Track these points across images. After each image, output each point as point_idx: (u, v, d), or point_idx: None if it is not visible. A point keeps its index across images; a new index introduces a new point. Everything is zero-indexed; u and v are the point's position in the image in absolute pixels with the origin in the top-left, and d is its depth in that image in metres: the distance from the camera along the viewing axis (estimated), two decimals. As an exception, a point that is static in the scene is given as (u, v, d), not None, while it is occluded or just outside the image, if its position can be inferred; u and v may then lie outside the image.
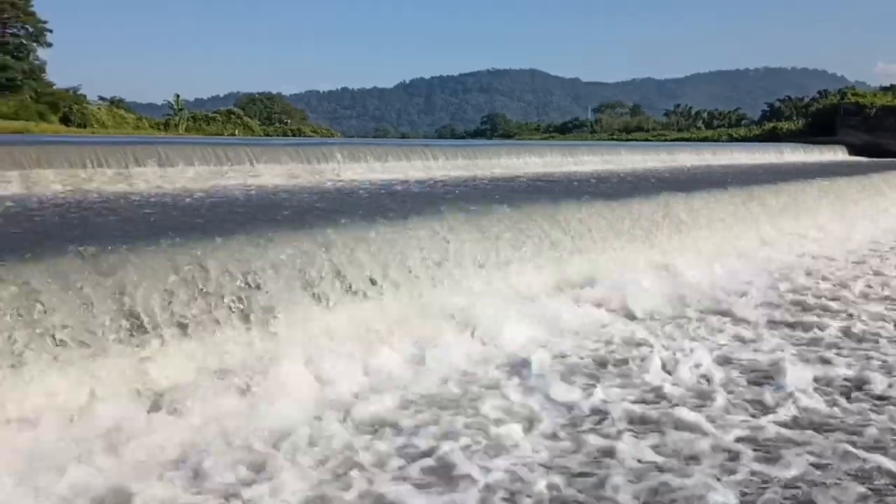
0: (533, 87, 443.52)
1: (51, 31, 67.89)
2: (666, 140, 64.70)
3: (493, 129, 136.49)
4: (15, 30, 65.38)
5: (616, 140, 68.59)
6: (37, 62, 66.23)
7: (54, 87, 65.09)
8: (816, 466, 4.06)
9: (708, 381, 5.49)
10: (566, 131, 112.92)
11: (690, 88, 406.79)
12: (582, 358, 6.02)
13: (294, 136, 71.20)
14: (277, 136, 70.35)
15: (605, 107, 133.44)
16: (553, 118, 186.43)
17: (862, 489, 3.81)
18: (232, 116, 75.68)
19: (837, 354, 6.15)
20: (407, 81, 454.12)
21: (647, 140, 67.23)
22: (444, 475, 3.98)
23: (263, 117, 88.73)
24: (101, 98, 70.97)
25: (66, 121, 59.17)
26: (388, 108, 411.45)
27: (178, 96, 73.23)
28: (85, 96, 66.05)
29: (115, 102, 71.92)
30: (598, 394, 5.10)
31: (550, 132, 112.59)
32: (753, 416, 4.80)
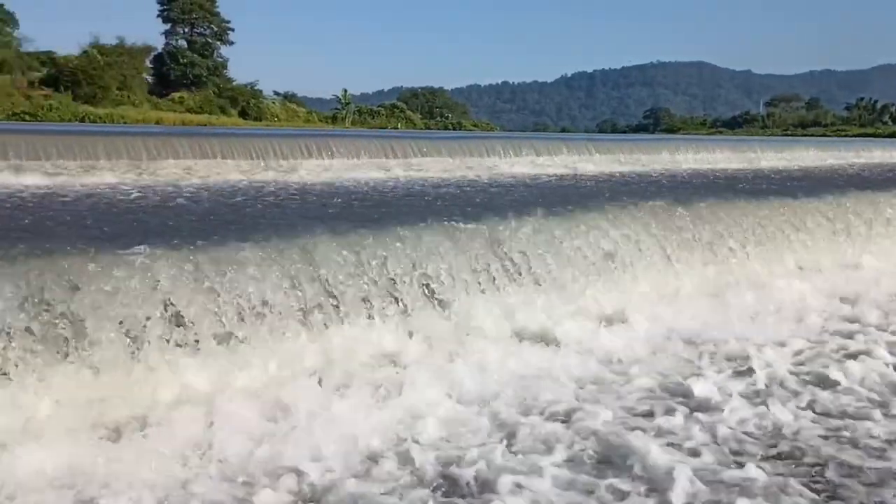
0: (700, 80, 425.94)
1: (232, 30, 72.50)
2: (848, 136, 60.21)
3: (655, 124, 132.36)
4: (201, 29, 70.19)
5: (791, 136, 64.61)
6: (219, 59, 70.74)
7: (234, 83, 69.28)
8: None
9: None
10: (735, 126, 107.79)
11: (876, 80, 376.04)
12: None
13: (454, 129, 72.19)
14: (438, 129, 71.56)
15: (778, 100, 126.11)
16: (721, 112, 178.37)
17: None
18: (395, 110, 77.70)
19: None
20: (568, 75, 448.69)
21: (824, 135, 62.84)
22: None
23: (425, 111, 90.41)
24: (276, 93, 74.76)
25: (243, 114, 62.90)
26: (547, 102, 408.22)
27: (345, 91, 76.05)
28: (261, 91, 69.86)
29: (288, 97, 75.53)
30: None
31: (717, 127, 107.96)
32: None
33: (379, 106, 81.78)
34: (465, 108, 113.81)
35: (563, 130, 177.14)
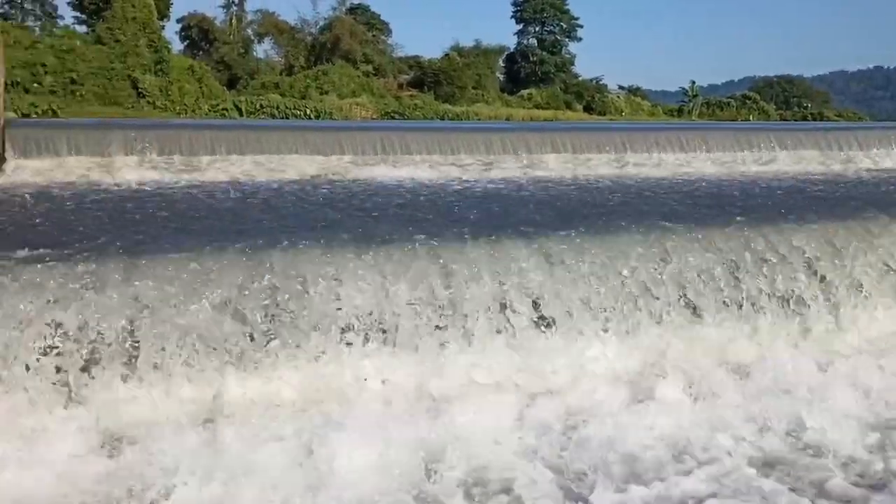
0: None
1: (581, 27, 73.58)
2: None
3: None
4: (551, 27, 72.31)
5: None
6: (567, 56, 72.26)
7: (580, 79, 70.34)
8: None
9: None
10: None
11: None
12: None
13: (813, 119, 66.04)
14: (794, 120, 66.05)
15: None
16: None
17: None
18: (747, 101, 73.29)
19: None
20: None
21: None
22: None
23: (780, 101, 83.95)
24: (620, 87, 74.40)
25: (588, 109, 63.63)
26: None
27: (693, 83, 73.45)
28: (606, 86, 70.02)
29: (633, 91, 74.78)
30: None
31: None
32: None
33: (729, 97, 77.53)
34: (828, 96, 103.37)
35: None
